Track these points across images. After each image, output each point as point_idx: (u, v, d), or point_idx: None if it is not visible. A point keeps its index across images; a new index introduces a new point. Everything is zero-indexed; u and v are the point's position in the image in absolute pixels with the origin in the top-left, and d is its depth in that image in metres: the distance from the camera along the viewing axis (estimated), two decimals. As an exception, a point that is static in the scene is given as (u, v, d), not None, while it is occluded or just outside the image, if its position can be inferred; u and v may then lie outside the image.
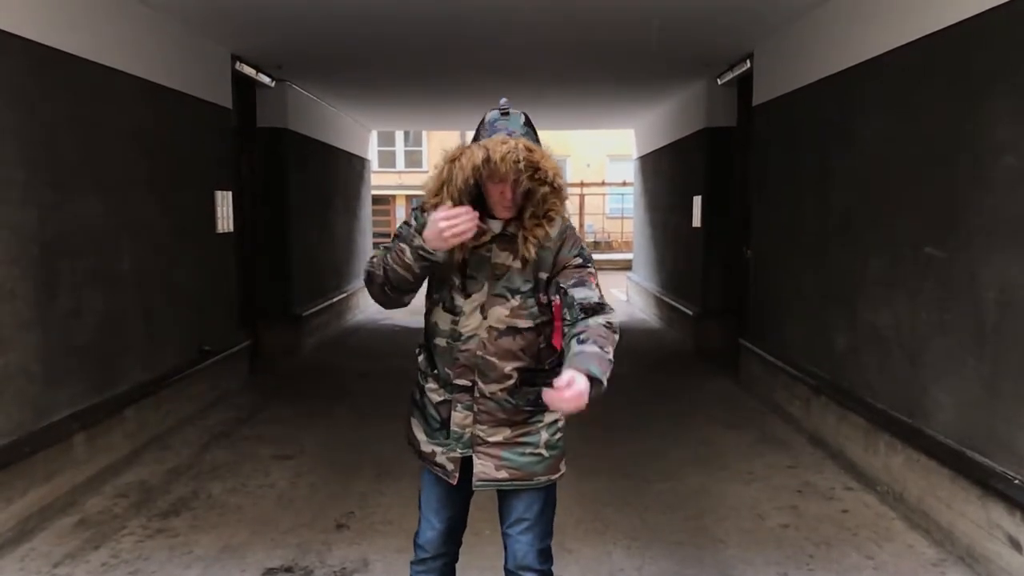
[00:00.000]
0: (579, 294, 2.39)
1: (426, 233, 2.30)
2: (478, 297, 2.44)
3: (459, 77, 9.05)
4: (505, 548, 2.61)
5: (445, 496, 2.61)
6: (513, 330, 2.43)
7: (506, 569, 2.61)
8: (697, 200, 9.53)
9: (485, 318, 2.43)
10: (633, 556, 3.95)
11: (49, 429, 4.47)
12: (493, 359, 2.43)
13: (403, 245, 2.36)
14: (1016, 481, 3.54)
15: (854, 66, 5.15)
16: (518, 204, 2.41)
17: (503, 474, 2.49)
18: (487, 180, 2.36)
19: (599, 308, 2.37)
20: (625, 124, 14.18)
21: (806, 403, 5.89)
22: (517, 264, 2.43)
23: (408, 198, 28.74)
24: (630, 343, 10.25)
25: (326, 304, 10.69)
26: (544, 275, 2.46)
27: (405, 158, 27.98)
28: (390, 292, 2.44)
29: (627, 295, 14.87)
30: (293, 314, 9.36)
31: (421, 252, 2.32)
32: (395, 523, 4.33)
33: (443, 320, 2.48)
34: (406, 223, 2.51)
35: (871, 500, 4.67)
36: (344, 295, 11.82)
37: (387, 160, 26.68)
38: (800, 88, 6.11)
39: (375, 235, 15.37)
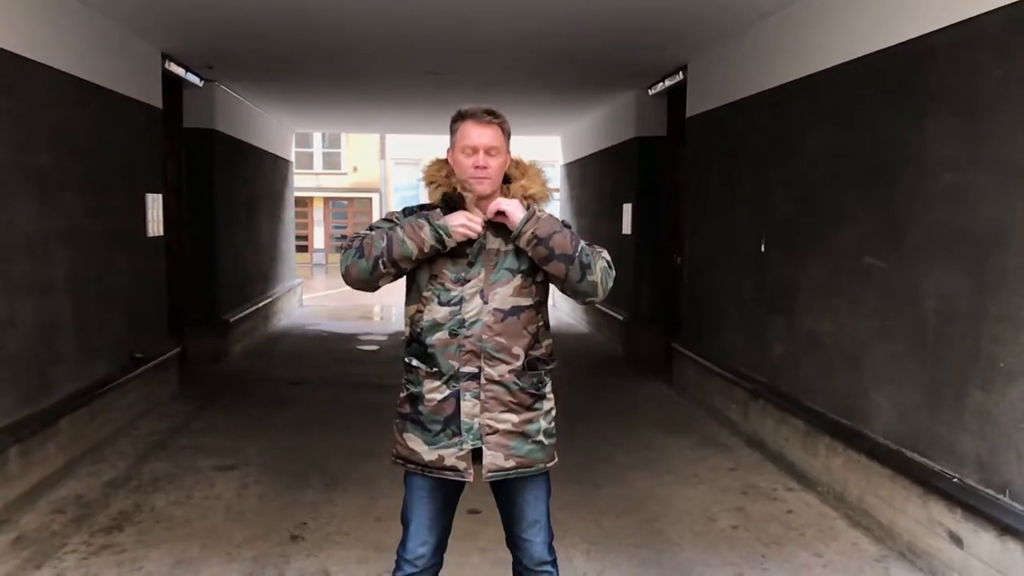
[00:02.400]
0: None
1: (448, 219, 2.49)
2: (476, 283, 2.54)
3: (387, 81, 9.00)
4: (520, 551, 2.70)
5: (439, 511, 2.66)
6: (517, 309, 2.56)
7: (524, 569, 2.70)
8: (627, 208, 9.71)
9: (486, 302, 2.54)
10: (593, 561, 4.01)
11: (-18, 443, 4.25)
12: (501, 339, 2.53)
13: (421, 221, 2.49)
14: (955, 480, 3.74)
15: (796, 80, 5.34)
16: (492, 177, 2.57)
17: (511, 463, 2.57)
18: (460, 150, 2.56)
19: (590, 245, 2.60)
20: (552, 131, 14.31)
21: (744, 407, 6.07)
22: (510, 247, 2.56)
23: (326, 200, 28.32)
24: (561, 348, 10.34)
25: (252, 309, 10.45)
26: None
27: (323, 160, 27.55)
28: (384, 267, 2.51)
29: (553, 300, 14.97)
30: (220, 320, 9.12)
31: (440, 231, 2.47)
32: (351, 534, 4.28)
33: (440, 314, 2.54)
34: (387, 220, 2.64)
35: (812, 500, 4.86)
36: (269, 299, 11.58)
37: (305, 161, 26.19)
38: (738, 100, 6.29)
39: (296, 237, 15.13)
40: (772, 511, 4.70)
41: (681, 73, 7.80)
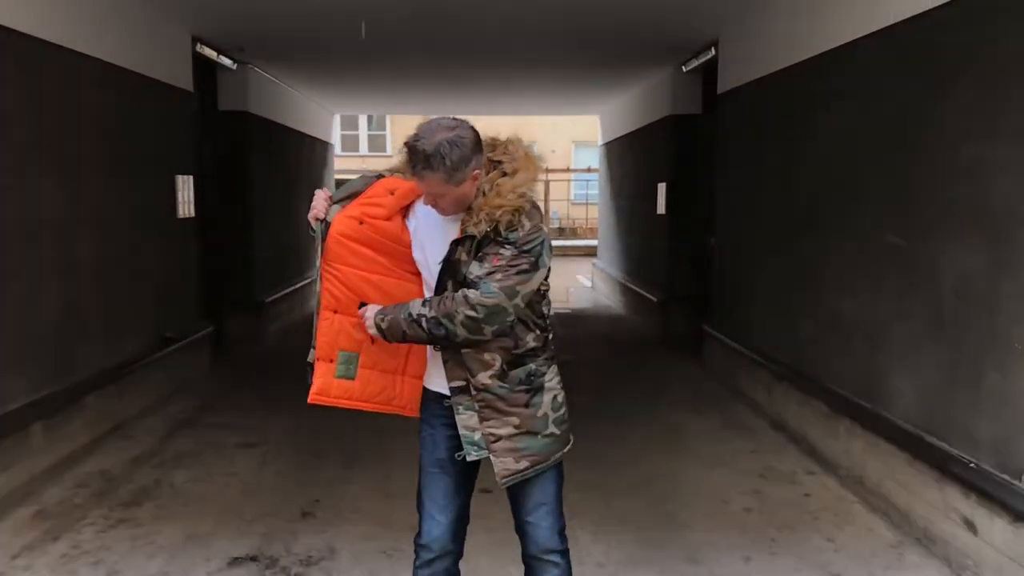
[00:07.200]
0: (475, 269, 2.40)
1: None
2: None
3: (425, 61, 8.98)
4: (525, 536, 2.60)
5: (452, 490, 2.59)
6: None
7: (529, 556, 2.61)
8: (662, 187, 9.58)
9: None
10: (599, 541, 3.98)
11: (5, 419, 4.37)
12: (471, 350, 2.45)
13: None
14: (972, 465, 3.61)
15: (817, 55, 5.19)
16: (447, 208, 2.42)
17: (524, 463, 2.50)
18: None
19: (475, 283, 2.39)
20: (591, 110, 14.20)
21: (768, 388, 5.97)
22: (470, 257, 2.42)
23: (372, 183, 28.49)
24: (595, 329, 10.33)
25: (290, 290, 10.59)
26: None
27: (368, 142, 27.74)
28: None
29: (592, 281, 14.93)
30: (255, 301, 9.25)
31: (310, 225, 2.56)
32: (362, 510, 4.32)
33: None
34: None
35: (832, 483, 4.75)
36: (307, 281, 11.69)
37: (351, 144, 26.44)
38: (764, 76, 6.15)
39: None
40: (789, 495, 4.61)
41: (712, 49, 7.65)
